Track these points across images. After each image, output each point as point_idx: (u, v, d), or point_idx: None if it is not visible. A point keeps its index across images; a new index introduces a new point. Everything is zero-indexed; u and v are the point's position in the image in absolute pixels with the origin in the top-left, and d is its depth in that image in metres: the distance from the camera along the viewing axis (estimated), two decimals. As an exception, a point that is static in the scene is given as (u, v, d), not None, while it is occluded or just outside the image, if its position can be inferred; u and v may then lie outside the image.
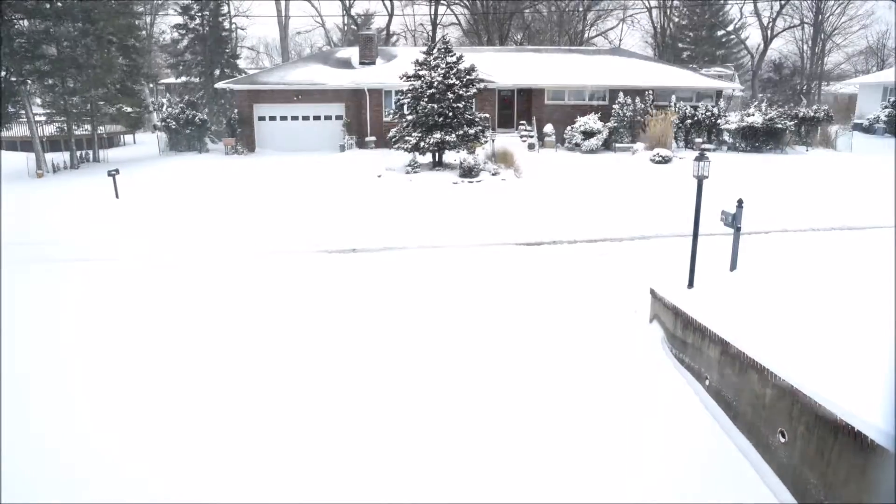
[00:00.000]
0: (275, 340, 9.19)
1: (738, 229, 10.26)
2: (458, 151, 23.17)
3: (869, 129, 32.89)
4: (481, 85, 24.60)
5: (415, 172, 22.46)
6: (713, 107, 28.48)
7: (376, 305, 10.77)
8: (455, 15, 56.50)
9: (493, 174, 22.06)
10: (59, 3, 25.03)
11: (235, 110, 29.90)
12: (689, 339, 7.52)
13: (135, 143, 37.56)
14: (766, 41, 53.98)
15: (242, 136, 29.55)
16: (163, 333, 9.50)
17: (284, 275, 12.55)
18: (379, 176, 22.19)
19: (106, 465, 6.15)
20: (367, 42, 32.91)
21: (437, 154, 23.41)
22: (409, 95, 23.50)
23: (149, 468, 6.11)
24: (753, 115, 26.44)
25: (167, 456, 6.31)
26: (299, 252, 14.26)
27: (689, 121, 27.27)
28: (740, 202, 10.12)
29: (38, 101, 31.59)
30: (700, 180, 8.91)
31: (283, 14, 50.05)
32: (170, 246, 14.87)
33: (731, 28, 55.32)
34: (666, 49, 54.22)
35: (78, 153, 27.98)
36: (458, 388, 7.70)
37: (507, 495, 5.69)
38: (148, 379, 8.01)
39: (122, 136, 37.31)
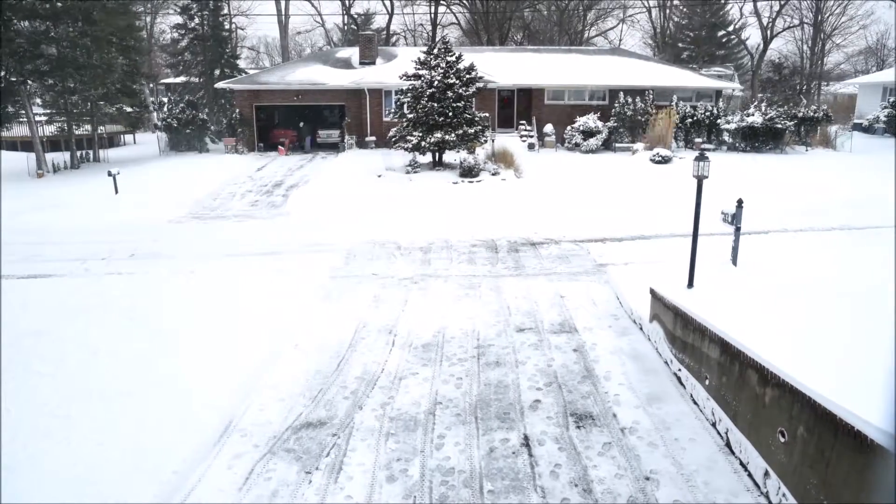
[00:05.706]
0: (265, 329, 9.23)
1: (738, 229, 10.28)
2: (458, 151, 23.15)
3: (868, 129, 32.91)
4: (481, 84, 24.56)
5: (415, 172, 22.45)
6: (713, 107, 28.48)
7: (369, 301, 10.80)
8: (455, 15, 56.58)
9: (493, 174, 22.05)
10: (59, 4, 25.00)
11: (236, 110, 29.91)
12: (688, 338, 7.53)
13: (135, 142, 37.51)
14: (766, 41, 53.98)
15: (243, 136, 29.57)
16: (162, 331, 9.51)
17: (279, 273, 12.55)
18: (379, 176, 22.19)
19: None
20: (367, 42, 32.92)
21: (437, 154, 23.40)
22: (409, 95, 23.49)
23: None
24: (753, 115, 26.43)
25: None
26: (296, 251, 14.26)
27: (689, 121, 27.28)
28: (740, 202, 10.13)
29: (39, 101, 31.52)
30: (700, 180, 8.91)
31: (283, 14, 50.00)
32: (166, 245, 14.89)
33: (730, 28, 55.32)
34: (666, 49, 54.24)
35: (78, 153, 27.96)
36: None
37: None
38: (148, 380, 8.02)
39: (122, 136, 37.26)
